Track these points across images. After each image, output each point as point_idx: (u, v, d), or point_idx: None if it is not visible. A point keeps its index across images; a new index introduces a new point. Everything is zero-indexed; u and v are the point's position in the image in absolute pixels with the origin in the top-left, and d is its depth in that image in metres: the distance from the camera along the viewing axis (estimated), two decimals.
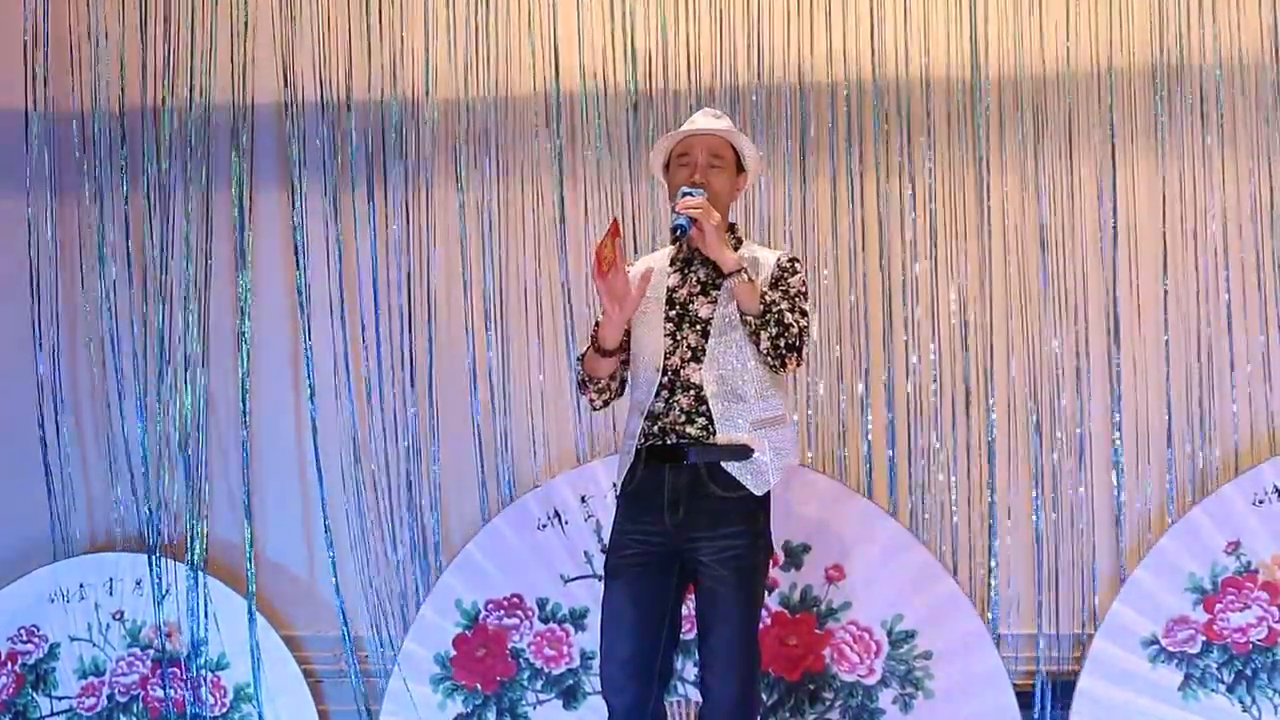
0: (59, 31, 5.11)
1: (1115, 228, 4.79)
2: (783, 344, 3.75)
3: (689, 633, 4.01)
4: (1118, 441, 4.76)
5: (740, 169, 3.98)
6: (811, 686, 4.61)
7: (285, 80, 5.02)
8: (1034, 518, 4.76)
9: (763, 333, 3.75)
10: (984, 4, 4.83)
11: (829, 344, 4.83)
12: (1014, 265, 4.82)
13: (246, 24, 5.04)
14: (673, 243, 3.85)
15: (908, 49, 4.85)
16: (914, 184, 4.83)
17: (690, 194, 3.80)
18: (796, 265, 3.91)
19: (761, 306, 3.75)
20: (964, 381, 4.80)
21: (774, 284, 3.85)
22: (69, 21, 5.10)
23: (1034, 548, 4.75)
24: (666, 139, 3.99)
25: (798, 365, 3.82)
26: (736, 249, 3.88)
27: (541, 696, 4.74)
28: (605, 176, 4.92)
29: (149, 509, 4.98)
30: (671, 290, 3.90)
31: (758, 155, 4.05)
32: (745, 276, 3.75)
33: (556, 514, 4.75)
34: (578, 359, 4.02)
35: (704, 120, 3.96)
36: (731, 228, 3.96)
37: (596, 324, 3.94)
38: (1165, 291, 4.77)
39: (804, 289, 3.88)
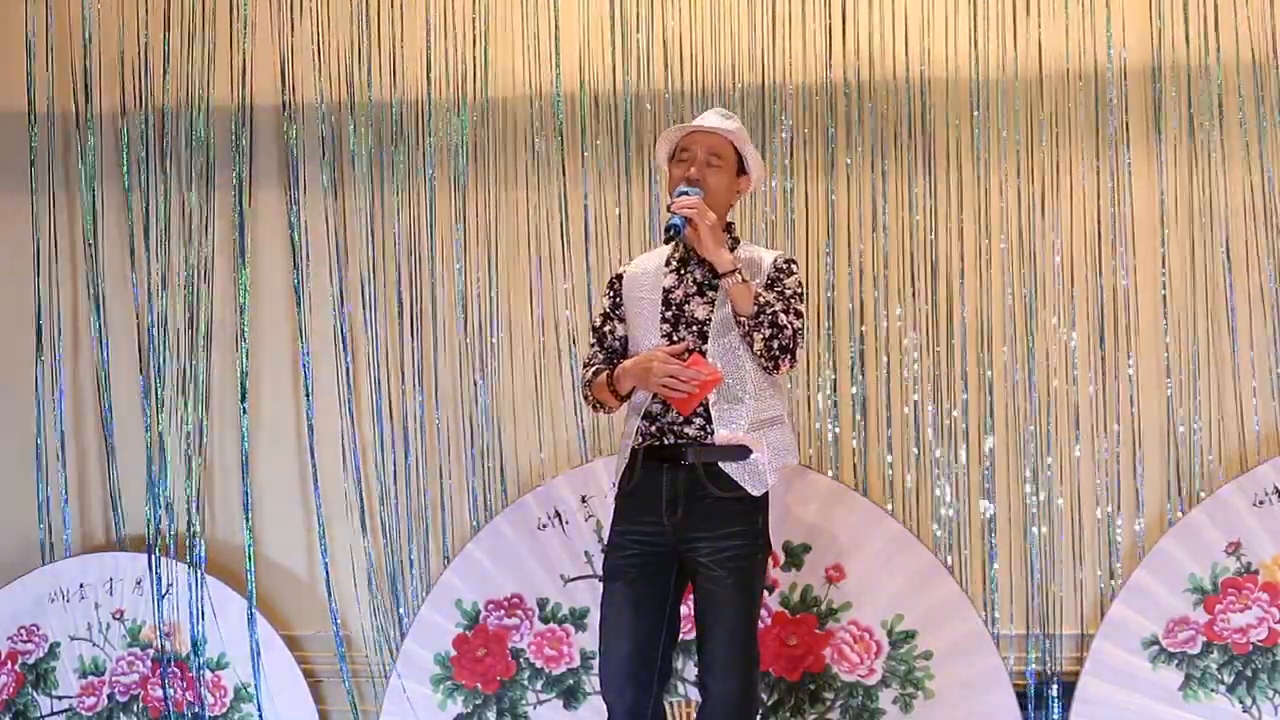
0: (60, 32, 5.12)
1: (1111, 226, 4.79)
2: (776, 346, 3.75)
3: (688, 633, 4.01)
4: (1117, 441, 4.75)
5: (742, 171, 3.97)
6: (812, 686, 4.61)
7: (285, 80, 5.02)
8: (1033, 517, 4.75)
9: (756, 334, 3.75)
10: (983, 4, 4.83)
11: (828, 343, 4.83)
12: (1012, 263, 4.81)
13: (246, 24, 5.04)
14: (665, 242, 3.84)
15: (906, 47, 4.84)
16: (912, 183, 4.83)
17: (687, 193, 3.80)
18: (793, 266, 3.90)
19: (755, 308, 3.75)
20: (963, 381, 4.79)
21: (769, 285, 3.84)
22: (70, 22, 5.10)
23: (1034, 548, 4.75)
24: (671, 132, 3.98)
25: (791, 367, 3.83)
26: (733, 249, 3.87)
27: (542, 696, 4.73)
28: (605, 177, 4.91)
29: (149, 509, 4.98)
30: (668, 291, 3.89)
31: (761, 160, 4.04)
32: (739, 278, 3.75)
33: (557, 514, 4.75)
34: (585, 382, 3.99)
35: (711, 118, 3.95)
36: (729, 227, 3.95)
37: (612, 366, 3.92)
38: (1165, 290, 4.76)
39: (800, 290, 3.87)
